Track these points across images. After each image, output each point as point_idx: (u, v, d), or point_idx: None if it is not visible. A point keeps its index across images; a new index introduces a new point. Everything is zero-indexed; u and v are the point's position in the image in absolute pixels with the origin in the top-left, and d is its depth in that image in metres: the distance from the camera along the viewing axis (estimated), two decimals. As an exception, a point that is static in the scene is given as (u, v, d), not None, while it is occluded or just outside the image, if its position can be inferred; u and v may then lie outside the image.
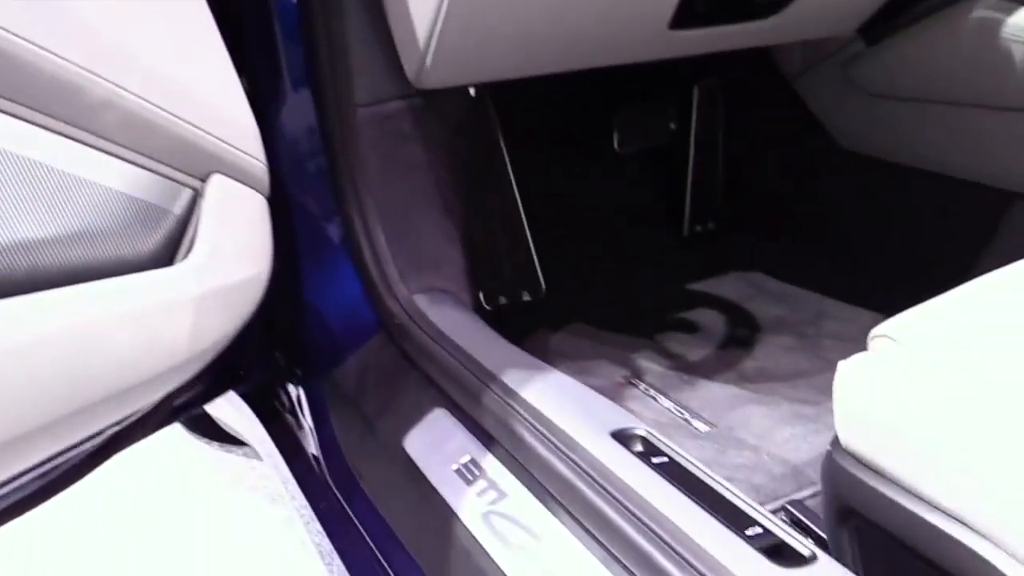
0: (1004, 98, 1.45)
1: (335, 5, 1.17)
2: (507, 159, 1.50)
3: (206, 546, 1.63)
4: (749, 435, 1.27)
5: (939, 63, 1.49)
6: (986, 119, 1.48)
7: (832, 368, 0.88)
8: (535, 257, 1.60)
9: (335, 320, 1.30)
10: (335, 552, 1.20)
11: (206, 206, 0.98)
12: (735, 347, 1.51)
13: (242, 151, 1.01)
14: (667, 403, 1.35)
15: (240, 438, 1.63)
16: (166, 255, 0.95)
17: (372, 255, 1.23)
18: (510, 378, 1.03)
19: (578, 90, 1.74)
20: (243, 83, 1.27)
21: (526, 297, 1.61)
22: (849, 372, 0.88)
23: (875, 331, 0.94)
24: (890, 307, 1.37)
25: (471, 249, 1.39)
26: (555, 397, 1.00)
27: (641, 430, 0.95)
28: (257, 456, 1.81)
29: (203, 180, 0.98)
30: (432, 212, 1.32)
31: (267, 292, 1.31)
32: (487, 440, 1.02)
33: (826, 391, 0.89)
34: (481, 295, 1.56)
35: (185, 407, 1.31)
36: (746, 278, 1.72)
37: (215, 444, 1.90)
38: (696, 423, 1.30)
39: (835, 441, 0.90)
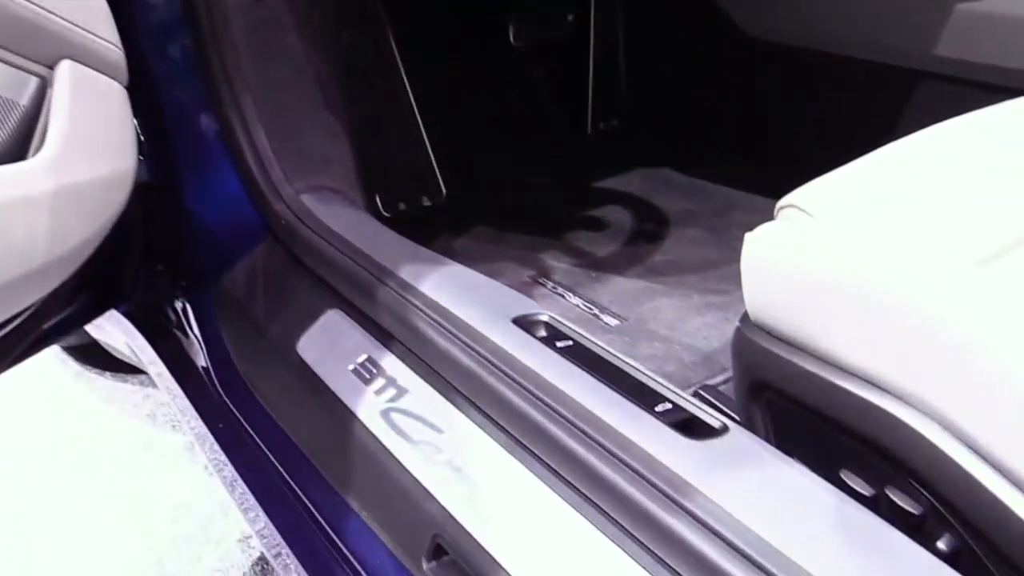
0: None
1: None
2: (397, 53, 1.42)
3: (108, 480, 1.54)
4: (660, 326, 1.24)
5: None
6: (886, -2, 1.46)
7: (740, 258, 0.85)
8: (433, 159, 1.53)
9: (218, 225, 1.21)
10: (238, 477, 1.13)
11: (56, 95, 0.88)
12: (643, 241, 1.47)
13: (92, 33, 0.91)
14: (575, 299, 1.31)
15: (133, 364, 1.53)
16: (16, 151, 0.85)
17: (253, 154, 1.14)
18: (406, 272, 0.97)
19: None
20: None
21: (426, 202, 1.55)
22: (756, 243, 0.84)
23: (782, 202, 0.90)
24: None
25: (362, 149, 1.31)
26: (453, 288, 0.94)
27: (544, 316, 0.90)
28: (153, 384, 1.73)
29: (51, 67, 0.88)
30: (316, 109, 1.23)
31: (143, 200, 1.22)
32: (384, 337, 0.96)
33: (736, 280, 0.86)
34: (379, 201, 1.49)
35: (61, 329, 1.21)
36: (652, 173, 1.69)
37: (108, 374, 1.80)
38: (606, 317, 1.27)
39: (744, 316, 0.87)
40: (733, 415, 1.04)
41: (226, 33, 1.11)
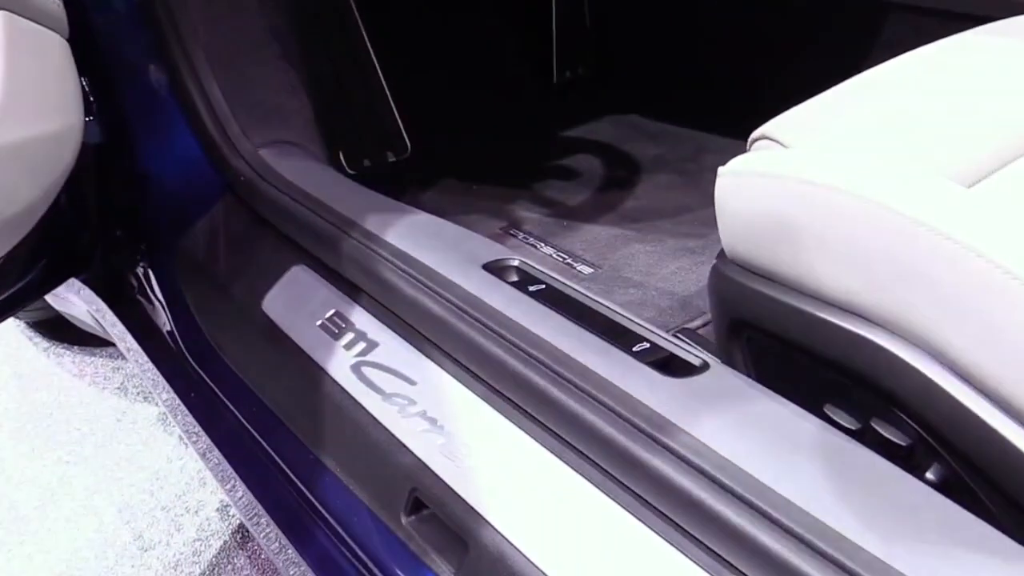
0: None
1: None
2: (355, 4, 1.37)
3: (82, 454, 1.51)
4: (634, 273, 1.22)
5: None
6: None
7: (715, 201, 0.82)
8: (396, 112, 1.49)
9: (175, 185, 1.17)
10: (214, 446, 1.10)
11: (-7, 48, 0.84)
12: (614, 189, 1.45)
13: (33, -16, 0.86)
14: (548, 249, 1.29)
15: (100, 335, 1.49)
16: (-49, 110, 0.81)
17: (208, 109, 1.10)
18: (371, 223, 0.94)
19: None
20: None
21: (391, 158, 1.51)
22: (729, 176, 0.82)
23: (754, 134, 0.88)
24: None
25: (322, 103, 1.27)
26: (421, 236, 0.91)
27: (515, 260, 0.87)
28: (123, 356, 1.69)
29: (-16, 20, 0.84)
30: (270, 59, 1.19)
31: (95, 162, 1.17)
32: (351, 290, 0.93)
33: (710, 223, 0.83)
34: (342, 158, 1.45)
35: (17, 300, 1.17)
36: (621, 120, 1.66)
37: (76, 348, 1.75)
38: (580, 266, 1.24)
39: (720, 253, 0.85)
40: (714, 356, 1.03)
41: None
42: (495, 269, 0.86)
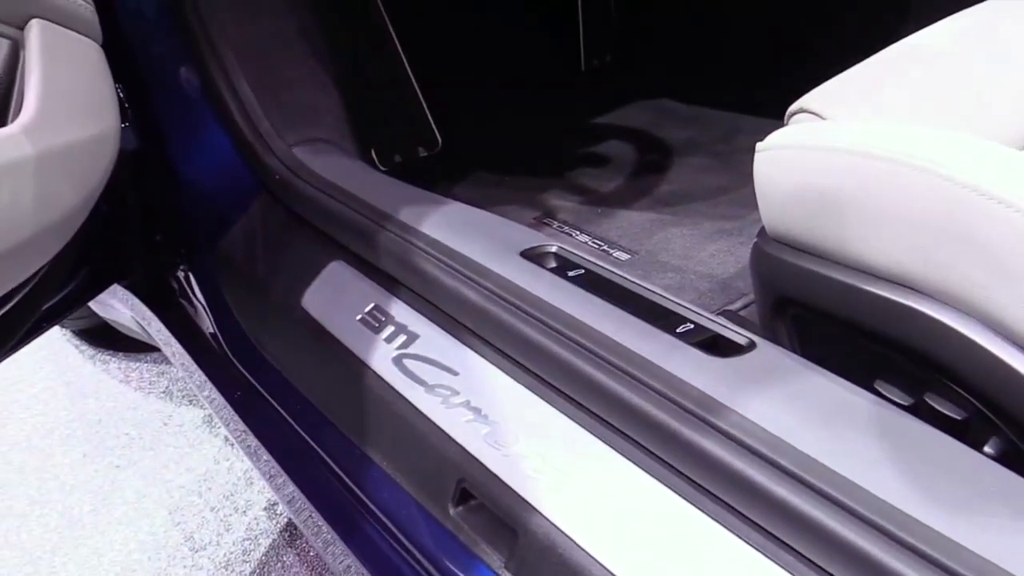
0: None
1: None
2: (387, 19, 1.37)
3: (130, 459, 1.53)
4: (672, 257, 1.21)
5: None
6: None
7: (751, 181, 0.81)
8: (425, 107, 1.49)
9: (211, 187, 1.18)
10: (261, 445, 1.11)
11: (29, 57, 0.84)
12: (647, 173, 1.44)
13: (69, -8, 0.87)
14: (584, 237, 1.28)
15: (144, 341, 1.51)
16: (-6, 117, 0.82)
17: (240, 110, 1.10)
18: (406, 215, 0.94)
19: None
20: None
21: (423, 152, 1.51)
22: (769, 151, 0.81)
23: (792, 107, 0.87)
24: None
25: (353, 101, 1.27)
26: (456, 226, 0.91)
27: (553, 247, 0.87)
28: (167, 360, 1.71)
29: (21, 28, 0.84)
30: (300, 58, 1.19)
31: (133, 168, 1.19)
32: (389, 283, 0.93)
33: (747, 204, 0.82)
34: (374, 154, 1.45)
35: (62, 308, 1.18)
36: (652, 105, 1.64)
37: (121, 354, 1.78)
38: (616, 253, 1.24)
39: (761, 231, 0.84)
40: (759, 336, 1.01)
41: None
42: (533, 256, 0.85)
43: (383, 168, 1.47)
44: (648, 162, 1.47)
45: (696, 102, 1.63)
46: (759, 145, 0.81)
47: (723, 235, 1.23)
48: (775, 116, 1.57)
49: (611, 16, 1.74)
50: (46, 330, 1.20)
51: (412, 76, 1.47)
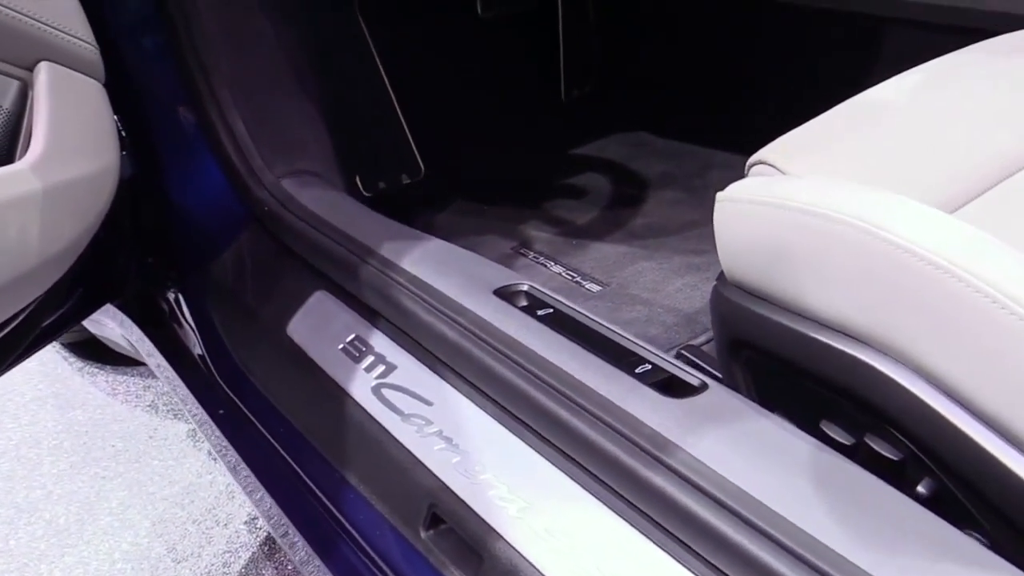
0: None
1: None
2: (366, 30, 1.42)
3: (116, 470, 1.57)
4: (641, 290, 1.26)
5: None
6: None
7: None
8: (410, 136, 1.54)
9: (203, 215, 1.23)
10: (242, 461, 1.16)
11: (37, 97, 0.90)
12: (622, 206, 1.49)
13: (67, 34, 0.92)
14: (557, 268, 1.34)
15: (132, 356, 1.56)
16: (2, 154, 0.87)
17: (232, 143, 1.16)
18: (386, 250, 0.99)
19: None
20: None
21: (406, 180, 1.56)
22: (728, 200, 0.86)
23: (752, 159, 0.93)
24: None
25: (339, 130, 1.33)
26: (434, 262, 0.96)
27: (524, 285, 0.92)
28: (154, 374, 1.75)
29: (30, 70, 0.90)
30: (291, 92, 1.24)
31: (129, 193, 1.24)
32: (370, 315, 0.98)
33: (714, 240, 0.88)
34: (359, 181, 1.51)
35: (58, 326, 1.23)
36: (629, 138, 1.70)
37: (108, 368, 1.82)
38: (588, 284, 1.29)
39: (721, 275, 0.89)
40: (715, 373, 1.07)
41: (197, 22, 1.13)
42: (505, 294, 0.91)
43: (367, 194, 1.52)
44: (623, 195, 1.53)
45: (673, 136, 1.69)
46: (719, 195, 0.86)
47: (691, 270, 1.29)
48: (746, 153, 1.64)
49: (593, 47, 1.80)
50: (43, 347, 1.24)
51: (398, 107, 1.53)
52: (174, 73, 1.16)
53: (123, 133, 1.22)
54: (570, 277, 1.31)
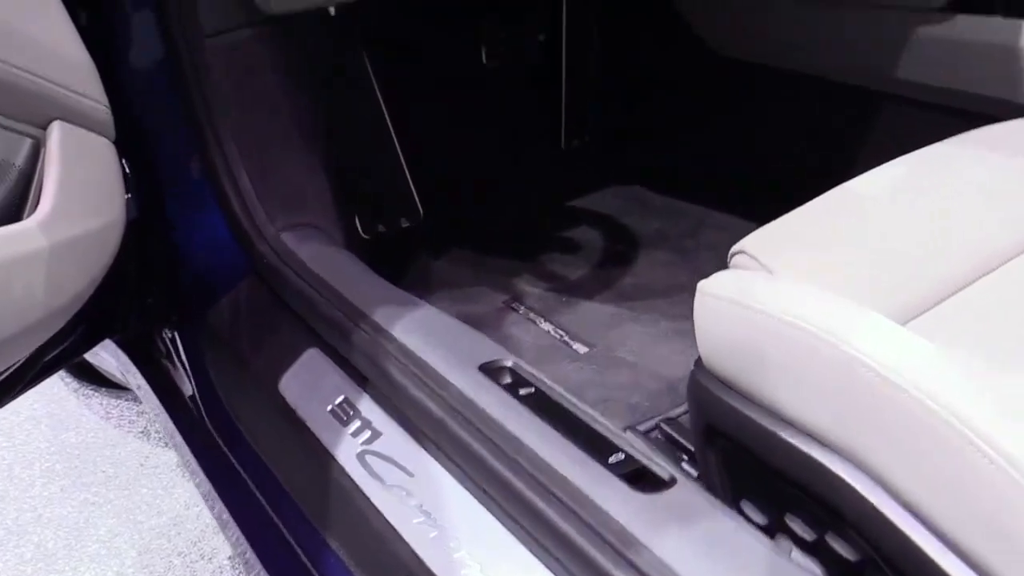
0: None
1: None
2: (375, 84, 1.46)
3: (105, 496, 1.60)
4: (628, 353, 1.30)
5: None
6: (847, 17, 1.50)
7: None
8: (411, 182, 1.58)
9: (206, 262, 1.26)
10: (225, 509, 1.19)
11: (49, 155, 0.93)
12: (614, 264, 1.53)
13: (81, 95, 0.96)
14: (547, 326, 1.37)
15: (124, 385, 1.59)
16: (12, 210, 0.91)
17: (236, 195, 1.19)
18: (379, 315, 1.02)
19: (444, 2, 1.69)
20: (82, 16, 1.20)
21: (405, 223, 1.59)
22: (708, 292, 0.90)
23: (734, 248, 0.96)
24: (767, 212, 1.42)
25: (341, 179, 1.36)
26: (424, 332, 0.99)
27: (509, 361, 0.95)
28: (145, 399, 1.78)
29: (43, 128, 0.93)
30: (296, 145, 1.28)
31: (137, 237, 1.27)
32: (359, 379, 1.01)
33: None
34: (358, 223, 1.54)
35: (61, 359, 1.27)
36: (625, 191, 1.74)
37: (104, 390, 1.85)
38: (576, 345, 1.32)
39: (698, 361, 0.92)
40: (690, 448, 1.10)
41: (208, 80, 1.16)
42: (490, 370, 0.94)
43: (366, 236, 1.56)
44: (615, 252, 1.56)
45: (668, 192, 1.72)
46: (700, 286, 0.90)
47: (678, 336, 1.32)
48: (741, 214, 1.68)
49: (593, 97, 1.83)
50: (45, 379, 1.28)
51: (401, 154, 1.56)
52: (183, 125, 1.20)
53: (128, 172, 1.26)
54: (559, 336, 1.34)
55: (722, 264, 0.95)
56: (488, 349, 0.97)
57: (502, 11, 1.68)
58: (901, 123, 1.48)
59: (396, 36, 1.54)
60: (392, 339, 0.98)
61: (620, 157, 1.81)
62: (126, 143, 1.07)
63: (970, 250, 0.90)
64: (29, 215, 0.90)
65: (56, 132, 0.93)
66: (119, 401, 1.82)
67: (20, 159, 0.91)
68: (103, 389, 1.85)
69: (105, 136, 1.00)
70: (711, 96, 1.71)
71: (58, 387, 1.87)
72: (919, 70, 1.42)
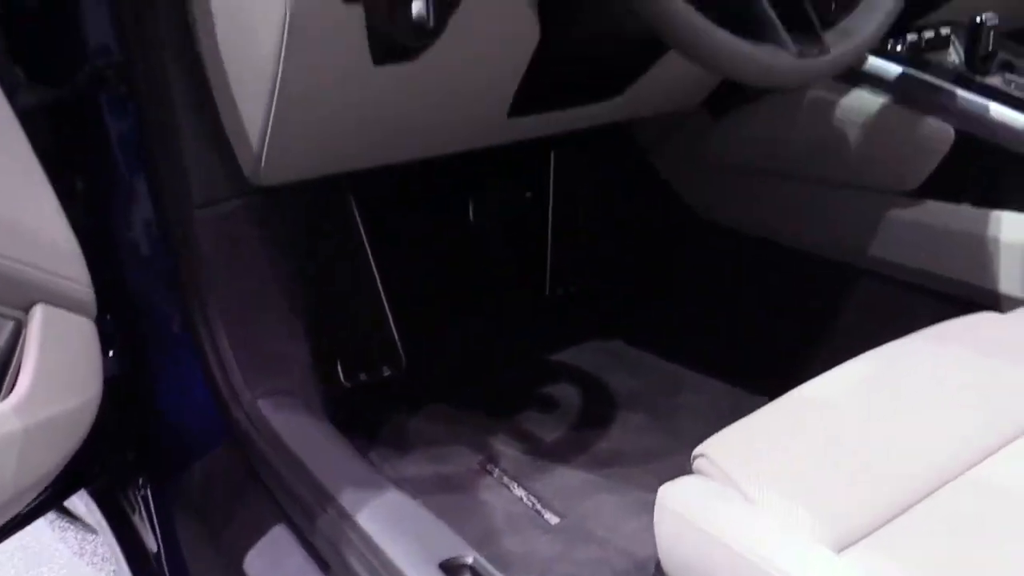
0: (841, 174, 1.52)
1: (167, 102, 1.14)
2: (368, 247, 1.50)
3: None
4: (598, 526, 1.30)
5: (780, 138, 1.56)
6: (828, 194, 1.55)
7: (685, 447, 0.92)
8: (395, 334, 1.60)
9: (184, 424, 1.28)
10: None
11: (30, 338, 0.96)
12: (590, 427, 1.54)
13: (64, 277, 0.99)
14: (520, 491, 1.38)
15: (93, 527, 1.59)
16: (-11, 391, 0.93)
17: (216, 361, 1.21)
18: (346, 497, 1.03)
19: (432, 160, 1.74)
20: (79, 183, 1.25)
21: (387, 372, 1.61)
22: (668, 496, 0.91)
23: (696, 451, 0.98)
24: (744, 375, 1.44)
25: (325, 332, 1.39)
26: (389, 521, 1.00)
27: (470, 558, 0.96)
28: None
29: (26, 311, 0.96)
30: (281, 308, 1.31)
31: (119, 392, 1.29)
32: (321, 565, 1.02)
33: (676, 471, 0.93)
34: (340, 369, 1.56)
35: (34, 513, 1.27)
36: (604, 346, 1.76)
37: (78, 524, 1.84)
38: (547, 514, 1.33)
39: (657, 565, 0.93)
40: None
41: (196, 250, 1.20)
42: (450, 567, 0.95)
43: (347, 384, 1.57)
44: (591, 414, 1.58)
45: (648, 348, 1.75)
46: (660, 495, 0.92)
47: (648, 509, 1.31)
48: (719, 375, 1.70)
49: (579, 252, 1.88)
50: (17, 532, 1.28)
51: (386, 302, 1.59)
52: (173, 292, 1.23)
53: (112, 332, 1.29)
54: (531, 504, 1.35)
55: (695, 431, 0.96)
56: (451, 544, 0.98)
57: (491, 171, 1.74)
58: (878, 299, 1.52)
59: (385, 193, 1.59)
60: (356, 527, 0.99)
61: (603, 310, 1.85)
62: (112, 299, 1.10)
63: (925, 463, 0.91)
64: (5, 397, 0.92)
65: (38, 315, 0.96)
66: (93, 538, 1.82)
67: (0, 341, 0.94)
68: (79, 522, 1.84)
69: (86, 315, 1.03)
70: (695, 257, 1.76)
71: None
72: (895, 250, 1.47)
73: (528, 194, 1.80)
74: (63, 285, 0.99)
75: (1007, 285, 1.35)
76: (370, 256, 1.57)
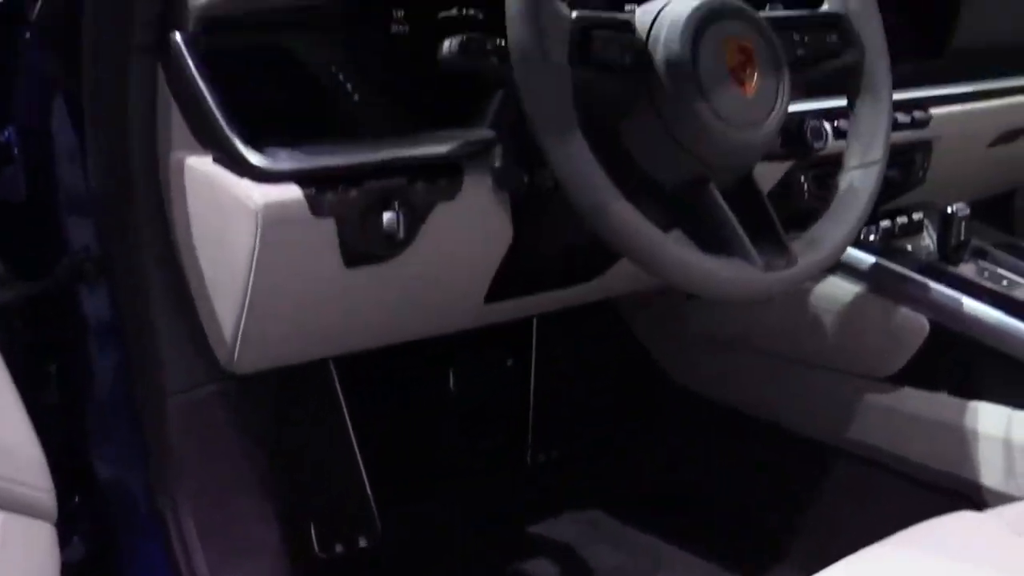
0: (817, 356, 1.53)
1: (143, 294, 1.15)
2: (348, 417, 1.49)
3: None
4: None
5: (756, 318, 1.57)
6: (805, 373, 1.56)
7: None
8: (373, 503, 1.59)
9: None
10: None
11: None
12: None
13: (22, 484, 0.98)
14: None
15: None
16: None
17: (182, 548, 1.19)
18: None
19: None
20: (52, 366, 1.25)
21: (362, 543, 1.59)
22: None
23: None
24: (726, 551, 1.41)
25: (298, 503, 1.38)
26: None
27: None
28: None
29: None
30: (253, 490, 1.29)
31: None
32: None
33: None
34: (314, 538, 1.53)
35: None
36: (583, 516, 1.74)
37: None
38: None
39: None
40: None
41: (167, 438, 1.19)
42: None
43: (322, 554, 1.55)
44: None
45: (627, 521, 1.73)
46: None
47: None
48: (698, 553, 1.67)
49: (560, 415, 1.87)
50: None
51: (365, 476, 1.58)
52: (139, 471, 1.22)
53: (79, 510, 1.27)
54: None
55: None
56: None
57: (471, 342, 1.74)
58: (856, 482, 1.52)
59: (364, 367, 1.59)
60: None
61: (583, 477, 1.83)
62: (81, 480, 1.09)
63: None
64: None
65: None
66: None
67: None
68: None
69: (46, 519, 1.02)
70: (673, 428, 1.76)
71: None
72: (873, 434, 1.47)
73: (509, 362, 1.80)
74: (26, 495, 0.99)
75: (989, 478, 1.35)
76: (349, 427, 1.57)
